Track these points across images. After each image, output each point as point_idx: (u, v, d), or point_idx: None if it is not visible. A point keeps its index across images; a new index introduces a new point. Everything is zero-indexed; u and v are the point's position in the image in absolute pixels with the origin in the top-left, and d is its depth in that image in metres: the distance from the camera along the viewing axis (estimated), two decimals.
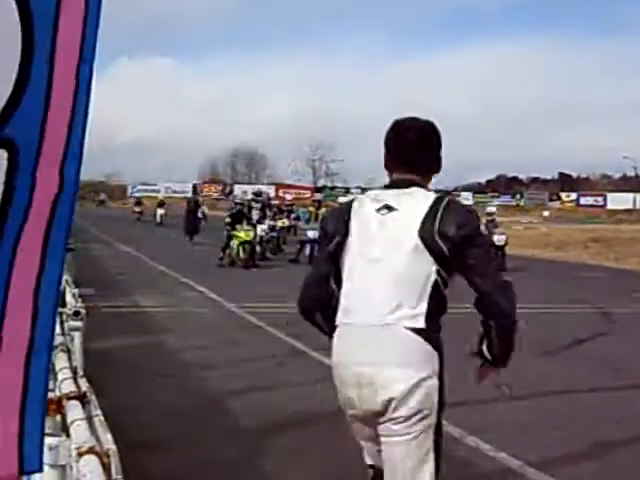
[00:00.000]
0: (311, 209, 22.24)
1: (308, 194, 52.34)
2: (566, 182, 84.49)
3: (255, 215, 20.68)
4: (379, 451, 2.94)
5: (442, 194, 3.05)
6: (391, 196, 2.94)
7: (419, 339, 2.79)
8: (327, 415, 6.47)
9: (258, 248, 20.36)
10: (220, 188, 76.35)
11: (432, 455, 2.84)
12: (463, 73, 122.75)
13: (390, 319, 2.79)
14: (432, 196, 2.92)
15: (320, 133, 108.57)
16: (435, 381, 2.82)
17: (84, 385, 2.73)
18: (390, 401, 2.77)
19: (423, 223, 2.82)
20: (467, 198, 75.76)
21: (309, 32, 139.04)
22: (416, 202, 2.89)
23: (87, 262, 17.23)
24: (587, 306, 13.61)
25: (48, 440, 2.23)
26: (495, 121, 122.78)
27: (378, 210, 2.92)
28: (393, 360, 2.79)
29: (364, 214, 2.95)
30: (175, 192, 70.54)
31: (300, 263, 20.58)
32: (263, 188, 58.58)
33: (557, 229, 35.32)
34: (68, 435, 2.19)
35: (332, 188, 74.61)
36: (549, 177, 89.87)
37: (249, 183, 72.21)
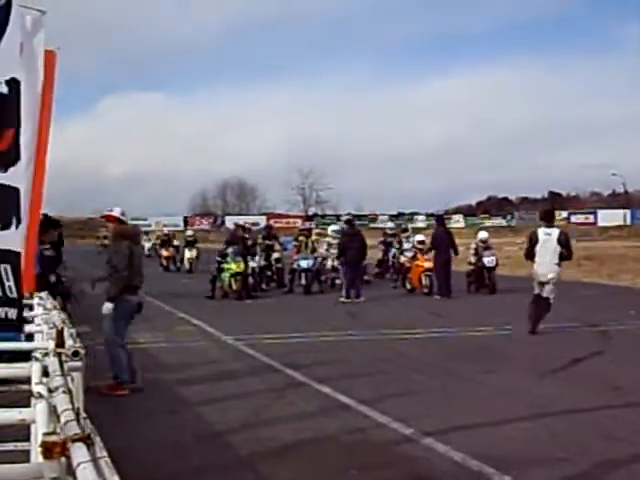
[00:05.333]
0: (301, 238, 21.92)
1: (299, 222, 52.29)
2: (556, 201, 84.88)
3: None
4: (541, 289, 12.69)
5: (561, 229, 13.98)
6: (549, 229, 12.93)
7: (558, 267, 12.73)
8: (329, 443, 6.47)
9: (251, 280, 20.25)
10: (211, 220, 76.39)
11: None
12: (451, 97, 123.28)
13: (554, 261, 12.65)
14: (558, 229, 13.14)
15: (309, 162, 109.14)
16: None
17: (88, 426, 2.72)
18: (552, 278, 12.66)
19: (558, 237, 12.75)
20: (458, 220, 75.85)
21: (296, 62, 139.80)
22: (554, 231, 12.92)
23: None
24: (583, 324, 13.63)
25: None
26: (484, 143, 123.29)
27: (546, 234, 12.79)
28: (554, 271, 12.69)
29: (542, 233, 12.85)
30: (166, 226, 70.39)
31: (294, 293, 20.46)
32: (254, 219, 58.82)
33: None
34: (75, 479, 2.17)
35: (322, 216, 74.71)
36: (539, 196, 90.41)
37: (240, 214, 72.21)
